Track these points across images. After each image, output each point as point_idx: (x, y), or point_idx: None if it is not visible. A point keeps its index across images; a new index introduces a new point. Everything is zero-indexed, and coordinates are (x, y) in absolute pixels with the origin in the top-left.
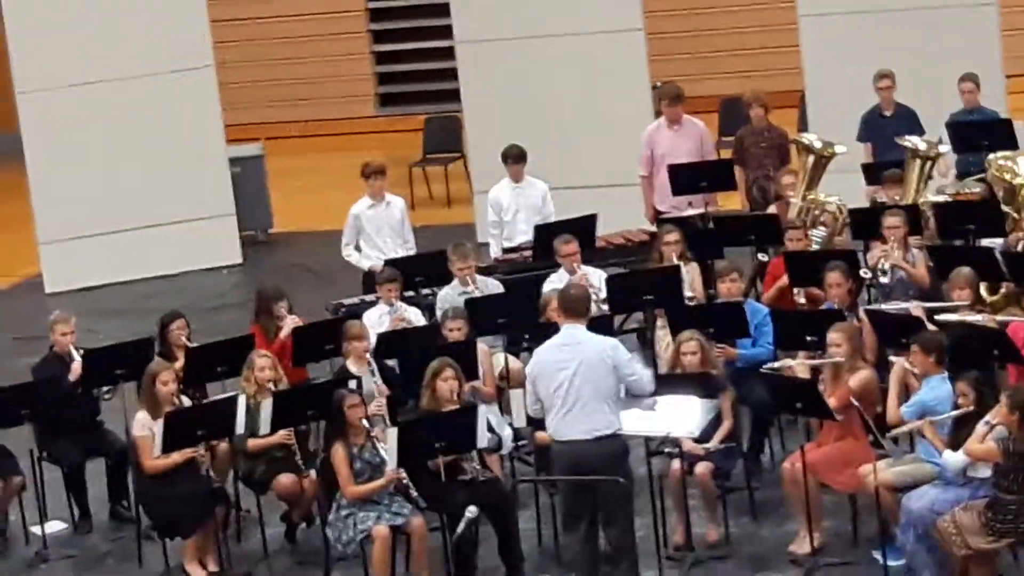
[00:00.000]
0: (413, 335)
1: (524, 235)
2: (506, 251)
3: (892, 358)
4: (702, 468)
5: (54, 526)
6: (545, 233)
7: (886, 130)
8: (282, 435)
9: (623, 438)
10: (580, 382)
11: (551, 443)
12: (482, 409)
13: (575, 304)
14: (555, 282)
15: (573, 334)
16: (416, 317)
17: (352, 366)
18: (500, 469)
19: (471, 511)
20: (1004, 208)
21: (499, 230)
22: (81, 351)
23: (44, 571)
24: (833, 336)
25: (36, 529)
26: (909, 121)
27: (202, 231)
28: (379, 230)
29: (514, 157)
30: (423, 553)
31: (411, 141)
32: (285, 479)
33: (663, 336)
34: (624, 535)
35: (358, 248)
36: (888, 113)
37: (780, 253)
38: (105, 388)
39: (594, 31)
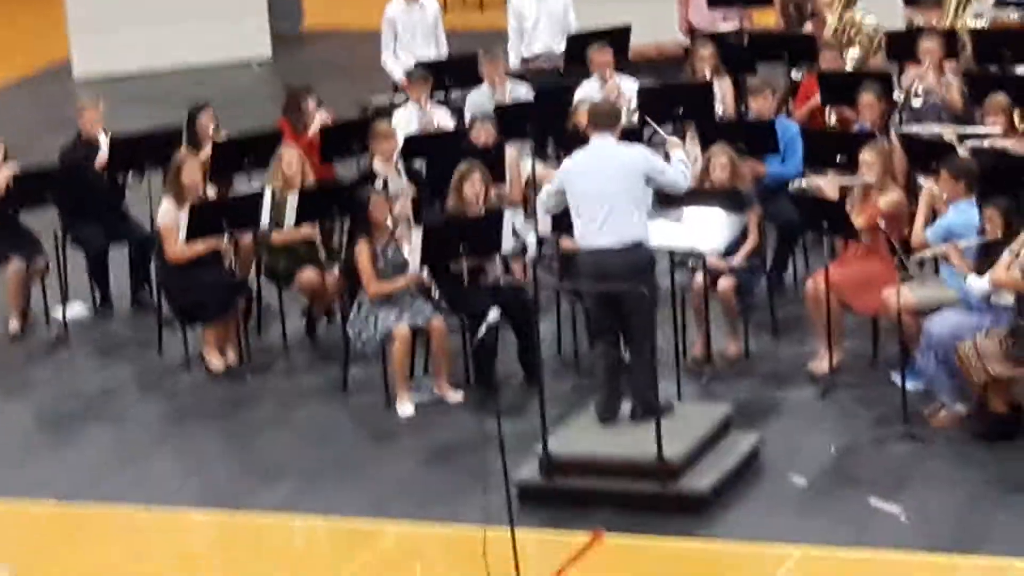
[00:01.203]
0: (441, 137)
1: (543, 45)
2: (524, 60)
3: (921, 181)
4: (725, 283)
5: (75, 310)
6: (578, 43)
7: None
8: (307, 230)
9: (650, 249)
10: (610, 191)
11: (578, 251)
12: (507, 214)
13: (606, 117)
14: (587, 90)
15: (603, 145)
16: (445, 119)
17: (379, 166)
18: (523, 275)
19: (493, 315)
20: None
21: (519, 38)
22: (109, 135)
23: (64, 354)
24: (865, 156)
25: (57, 313)
26: None
27: (234, 24)
28: (412, 33)
29: None
30: (442, 355)
31: None
32: (308, 274)
33: (692, 150)
34: (645, 346)
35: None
36: None
37: (813, 72)
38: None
39: None
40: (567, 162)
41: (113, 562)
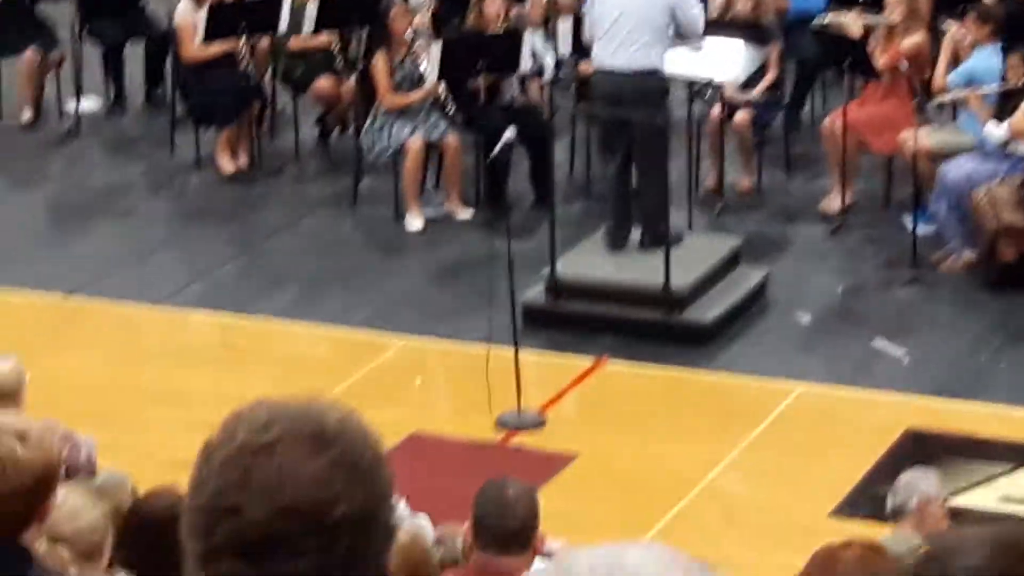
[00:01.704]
0: None
1: None
2: None
3: (947, 24)
4: (741, 116)
5: (89, 103)
6: None
7: None
8: (325, 38)
9: (664, 78)
10: (632, 14)
11: (592, 71)
12: (527, 34)
13: None
14: None
15: None
16: None
17: None
18: (540, 96)
19: (509, 133)
20: None
21: None
22: None
23: (75, 147)
24: None
25: (71, 105)
26: None
27: None
28: None
29: None
30: (455, 170)
31: None
32: (324, 81)
33: None
34: (655, 175)
35: None
36: None
37: None
38: None
39: None
40: None
41: (116, 357)
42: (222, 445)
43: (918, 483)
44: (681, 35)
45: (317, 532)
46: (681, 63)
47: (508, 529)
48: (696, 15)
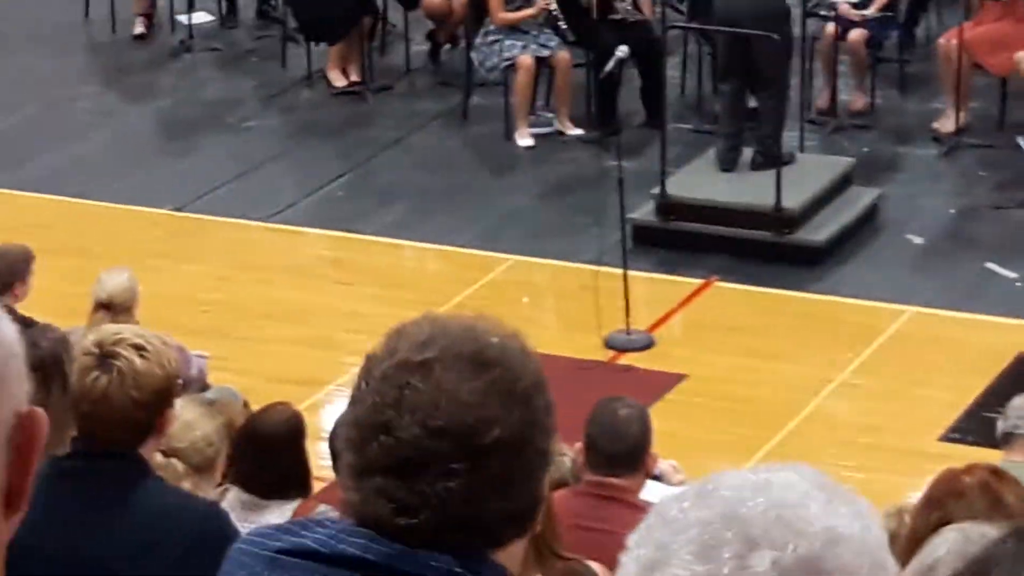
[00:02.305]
0: None
1: None
2: None
3: None
4: (856, 34)
5: (201, 17)
6: None
7: None
8: None
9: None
10: None
11: None
12: None
13: None
14: None
15: None
16: None
17: None
18: (652, 12)
19: (622, 50)
20: None
21: None
22: None
23: (187, 61)
24: None
25: (183, 18)
26: None
27: None
28: None
29: None
30: (566, 87)
31: None
32: None
33: None
34: (774, 95)
35: None
36: None
37: None
38: None
39: None
40: None
41: (226, 272)
42: (382, 360)
43: None
44: None
45: (469, 455)
46: None
47: (619, 449)
48: None
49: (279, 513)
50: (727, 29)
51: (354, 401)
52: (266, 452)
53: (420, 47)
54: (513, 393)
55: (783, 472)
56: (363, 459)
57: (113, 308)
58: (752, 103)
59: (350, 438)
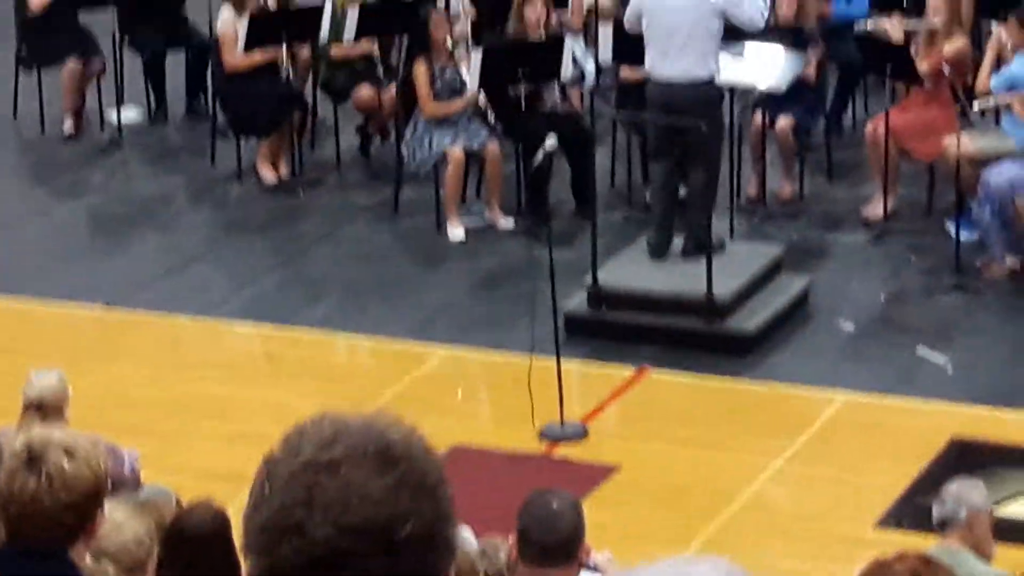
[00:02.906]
0: None
1: None
2: None
3: (994, 26)
4: (783, 123)
5: (130, 114)
6: None
7: None
8: (366, 46)
9: (718, 85)
10: (684, 23)
11: (637, 80)
12: (568, 40)
13: None
14: None
15: None
16: None
17: None
18: (580, 103)
19: (551, 141)
20: None
21: None
22: None
23: (116, 158)
24: (933, 0)
25: (112, 116)
26: None
27: None
28: None
29: None
30: (496, 179)
31: None
32: (365, 90)
33: None
34: (704, 183)
35: None
36: None
37: None
38: None
39: None
40: None
41: (157, 369)
42: (285, 461)
43: (967, 494)
44: (729, 29)
45: (384, 551)
46: (723, 70)
47: (553, 541)
48: (749, 9)
49: None
50: (659, 118)
51: (255, 504)
52: (193, 552)
53: (350, 141)
54: (422, 487)
55: (700, 564)
56: (272, 562)
57: (44, 409)
58: (682, 192)
59: (256, 542)
